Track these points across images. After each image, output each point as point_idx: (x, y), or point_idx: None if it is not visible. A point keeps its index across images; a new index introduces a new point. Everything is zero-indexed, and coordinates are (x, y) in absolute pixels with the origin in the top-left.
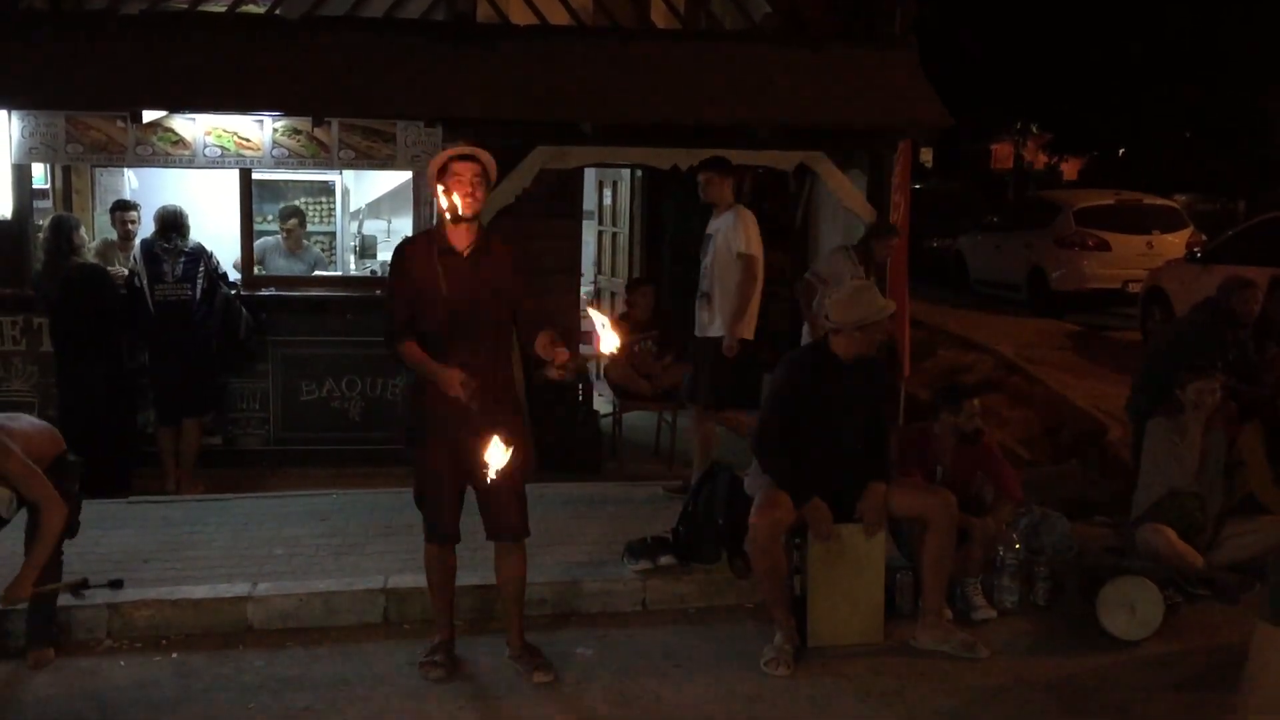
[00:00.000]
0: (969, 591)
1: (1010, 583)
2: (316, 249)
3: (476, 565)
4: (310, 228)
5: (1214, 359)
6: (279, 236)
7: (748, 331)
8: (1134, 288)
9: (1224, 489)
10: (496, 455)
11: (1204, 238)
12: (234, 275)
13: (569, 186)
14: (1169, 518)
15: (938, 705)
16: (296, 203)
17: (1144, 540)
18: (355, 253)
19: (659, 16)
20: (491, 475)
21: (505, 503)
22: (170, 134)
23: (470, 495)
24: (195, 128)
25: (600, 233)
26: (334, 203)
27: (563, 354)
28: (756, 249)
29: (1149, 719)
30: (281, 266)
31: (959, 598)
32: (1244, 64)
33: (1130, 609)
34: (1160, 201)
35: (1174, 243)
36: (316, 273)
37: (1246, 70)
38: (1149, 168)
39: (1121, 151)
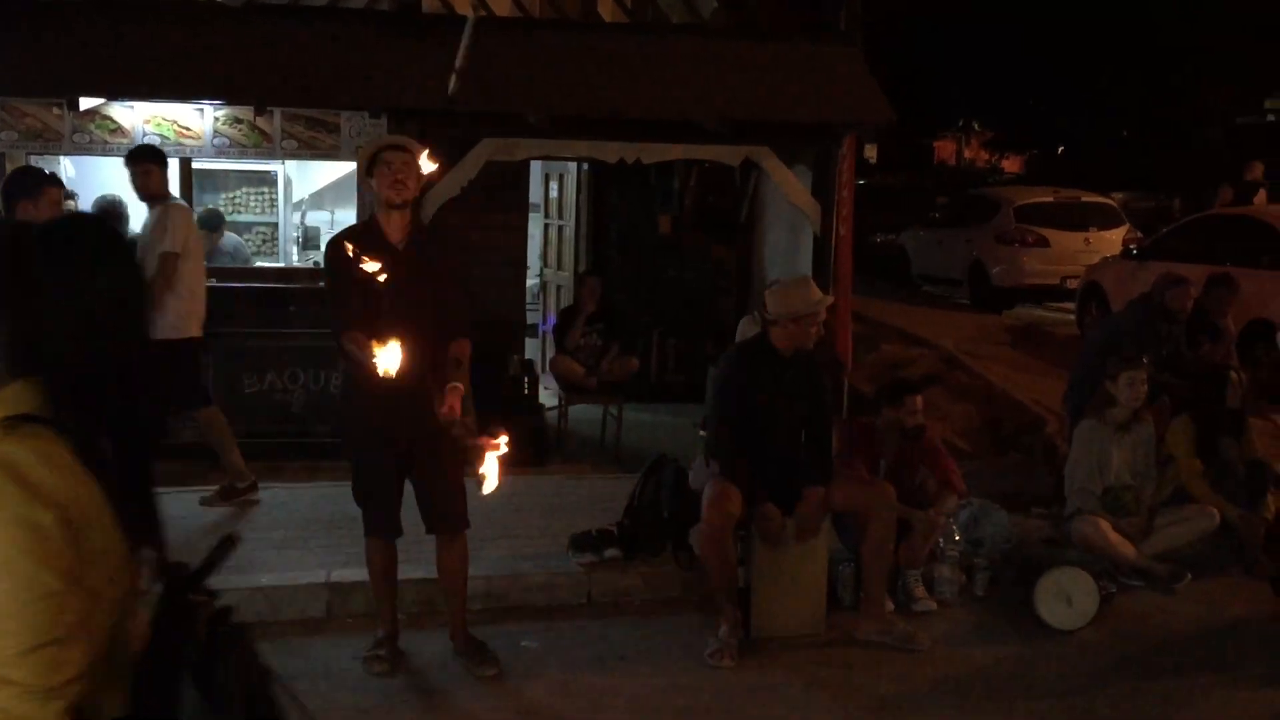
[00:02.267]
0: (910, 583)
1: (950, 574)
2: (234, 236)
3: (419, 558)
4: (252, 218)
5: (1145, 352)
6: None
7: (185, 330)
8: (1072, 283)
9: (1155, 481)
10: (491, 471)
11: (1140, 235)
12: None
13: (515, 179)
14: (1103, 509)
15: (879, 695)
16: (216, 207)
17: (1079, 532)
18: (298, 244)
19: (606, 10)
20: (489, 489)
21: (445, 495)
22: (108, 122)
23: (410, 488)
24: (134, 116)
25: (546, 226)
26: (276, 193)
27: (460, 418)
28: (179, 245)
29: (1084, 706)
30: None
31: (900, 589)
32: (1181, 65)
33: (1066, 599)
34: (1098, 199)
35: (1111, 239)
36: (234, 262)
37: (1183, 71)
38: (1087, 165)
39: (1061, 149)
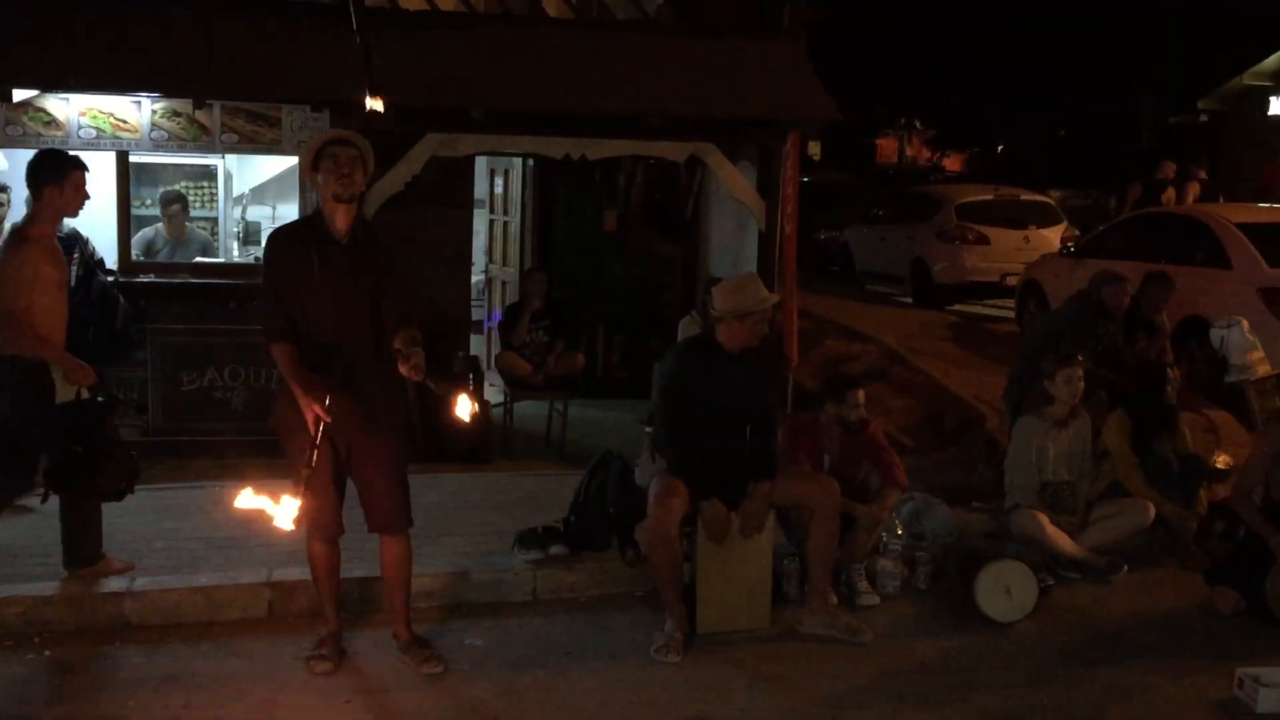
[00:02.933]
0: (854, 577)
1: (893, 568)
2: (203, 233)
3: (363, 556)
4: (191, 213)
5: (1081, 348)
6: (159, 225)
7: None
8: (1011, 280)
9: (1092, 475)
10: (464, 408)
11: (1077, 233)
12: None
13: (460, 174)
14: (1042, 504)
15: (824, 688)
16: (178, 187)
17: (1019, 525)
18: (239, 239)
19: (551, 5)
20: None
21: (387, 494)
22: (42, 114)
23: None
24: (69, 108)
25: (491, 221)
26: (216, 188)
27: (418, 355)
28: None
29: (1025, 697)
30: (167, 255)
31: (844, 583)
32: (1116, 67)
33: (1006, 591)
34: (1036, 197)
35: (1049, 237)
36: (198, 259)
37: (1118, 72)
38: (1026, 164)
39: (1001, 148)
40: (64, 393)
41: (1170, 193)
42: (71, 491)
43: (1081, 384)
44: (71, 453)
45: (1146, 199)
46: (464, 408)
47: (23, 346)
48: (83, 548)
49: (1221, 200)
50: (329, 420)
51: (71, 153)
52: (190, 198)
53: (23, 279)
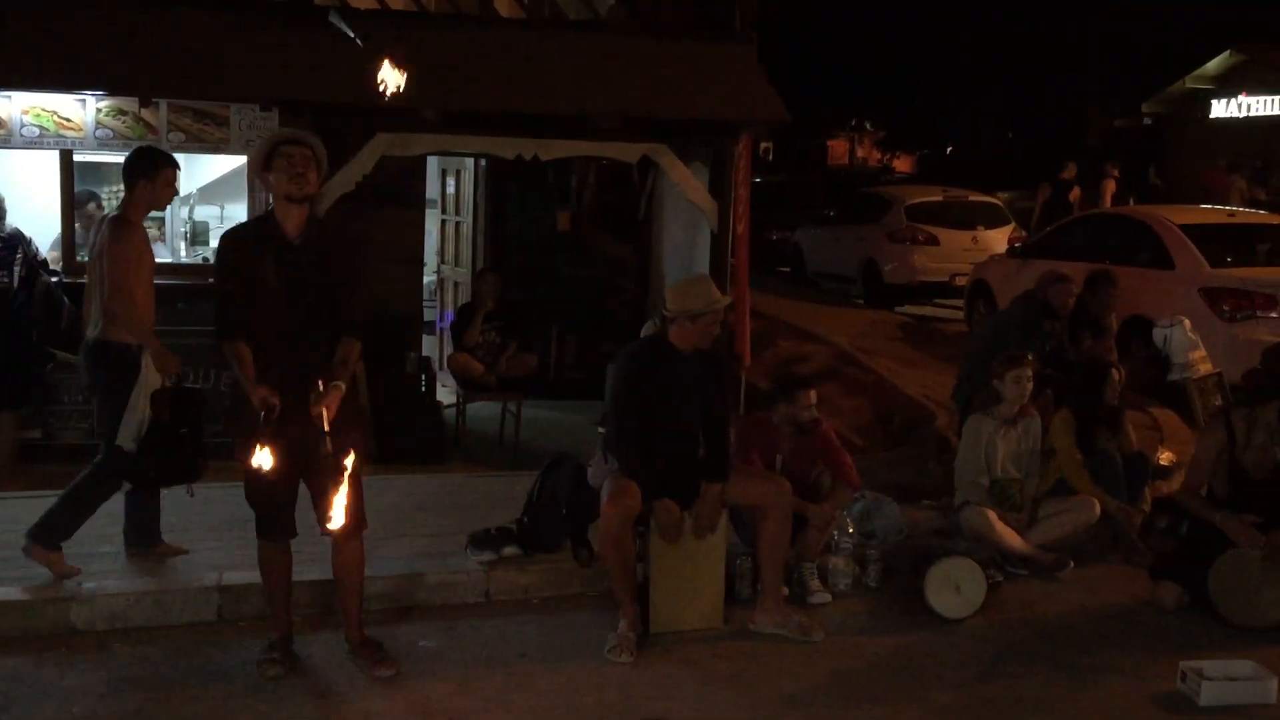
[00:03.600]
0: (805, 575)
1: (844, 566)
2: None
3: (314, 559)
4: None
5: (1028, 348)
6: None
7: None
8: (960, 280)
9: (1040, 473)
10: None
11: (1024, 233)
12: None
13: (411, 174)
14: (991, 501)
15: (776, 686)
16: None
17: (968, 523)
18: (186, 239)
19: (503, 5)
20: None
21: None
22: None
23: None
24: (11, 106)
25: (443, 221)
26: None
27: (333, 399)
28: None
29: (975, 692)
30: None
31: (796, 581)
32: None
33: (955, 588)
34: (984, 198)
35: (997, 238)
36: None
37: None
38: (975, 166)
39: (950, 149)
40: (153, 380)
41: (1076, 192)
42: (166, 476)
43: (1030, 384)
44: (179, 436)
45: (1053, 199)
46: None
47: (120, 331)
48: (155, 526)
49: (1133, 202)
50: (276, 402)
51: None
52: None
53: (130, 257)
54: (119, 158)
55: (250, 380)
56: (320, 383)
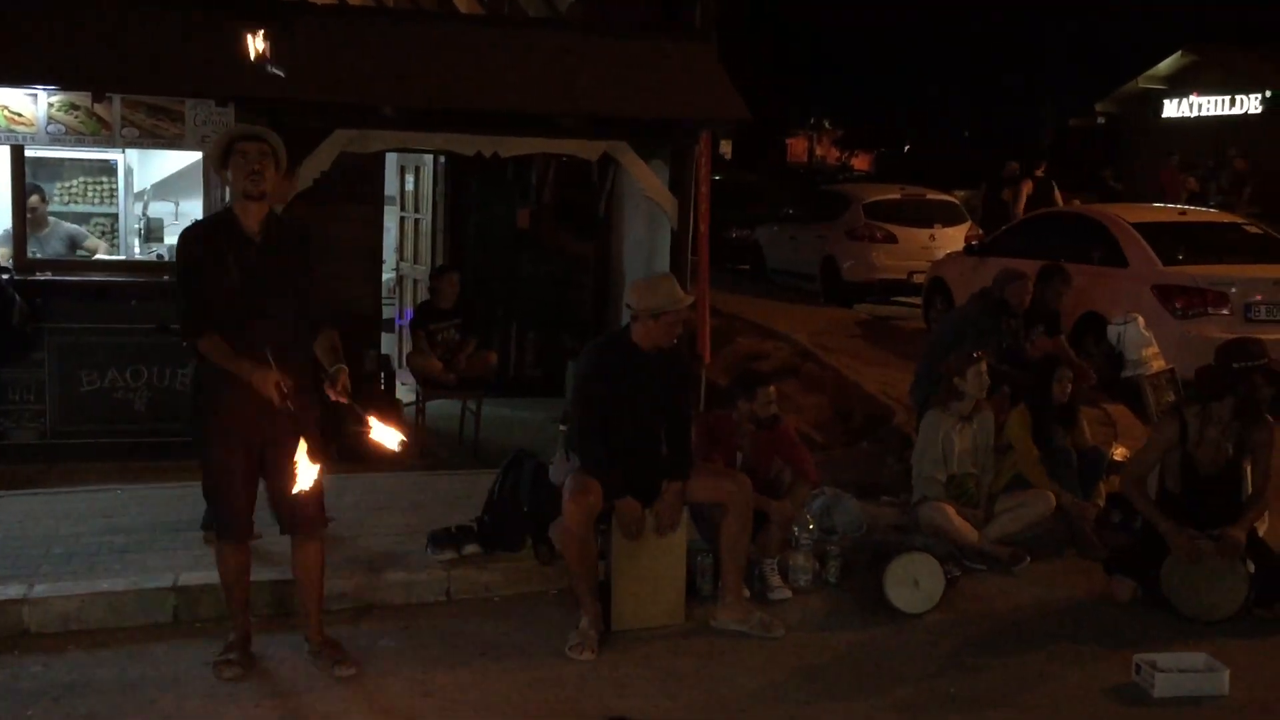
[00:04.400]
0: (766, 571)
1: (804, 562)
2: (72, 226)
3: (273, 559)
4: (90, 209)
5: (985, 345)
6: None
7: None
8: (918, 278)
9: (995, 468)
10: (304, 471)
11: (981, 231)
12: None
13: (369, 171)
14: (948, 496)
15: (737, 683)
16: (75, 181)
17: (926, 518)
18: (140, 236)
19: (462, 2)
20: (298, 489)
21: (300, 496)
22: None
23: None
24: None
25: (402, 219)
26: (116, 183)
27: (344, 376)
28: None
29: (935, 685)
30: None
31: (757, 578)
32: (1018, 70)
33: (914, 583)
34: (942, 196)
35: (954, 236)
36: (81, 251)
37: (1020, 76)
38: (932, 164)
39: (907, 148)
40: None
41: (1029, 185)
42: None
43: (987, 380)
44: None
45: (989, 196)
46: (391, 438)
47: None
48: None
49: (1058, 196)
50: (290, 383)
51: None
52: (88, 193)
53: None
54: (71, 153)
55: (246, 368)
56: (329, 374)
